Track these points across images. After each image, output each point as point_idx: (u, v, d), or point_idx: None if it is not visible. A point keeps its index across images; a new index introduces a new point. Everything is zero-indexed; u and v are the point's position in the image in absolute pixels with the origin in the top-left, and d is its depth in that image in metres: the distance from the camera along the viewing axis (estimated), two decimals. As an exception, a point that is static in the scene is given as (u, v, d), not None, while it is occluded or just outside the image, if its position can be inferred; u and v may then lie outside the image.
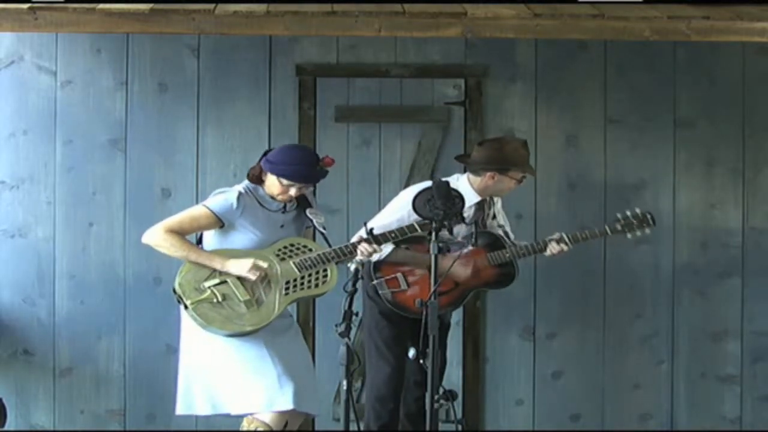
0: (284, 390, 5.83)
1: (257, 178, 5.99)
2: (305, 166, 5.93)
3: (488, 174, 6.61)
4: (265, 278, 5.91)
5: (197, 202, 6.40)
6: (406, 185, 7.13)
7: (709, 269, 7.57)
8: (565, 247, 6.61)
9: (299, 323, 7.25)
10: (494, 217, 6.75)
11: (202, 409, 5.97)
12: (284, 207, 6.03)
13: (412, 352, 5.85)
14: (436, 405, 5.67)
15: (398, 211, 6.48)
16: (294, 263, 5.96)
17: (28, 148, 7.45)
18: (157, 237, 5.91)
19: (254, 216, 5.96)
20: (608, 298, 7.56)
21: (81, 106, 7.45)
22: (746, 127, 7.55)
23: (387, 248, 6.48)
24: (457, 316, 7.30)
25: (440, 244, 5.72)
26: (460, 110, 7.54)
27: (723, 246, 7.57)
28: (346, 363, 5.55)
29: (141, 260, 7.33)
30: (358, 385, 7.29)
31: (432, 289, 5.67)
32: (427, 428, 5.69)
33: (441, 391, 5.73)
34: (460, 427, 5.94)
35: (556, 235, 6.62)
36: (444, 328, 6.69)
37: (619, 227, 6.65)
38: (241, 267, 5.88)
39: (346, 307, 5.60)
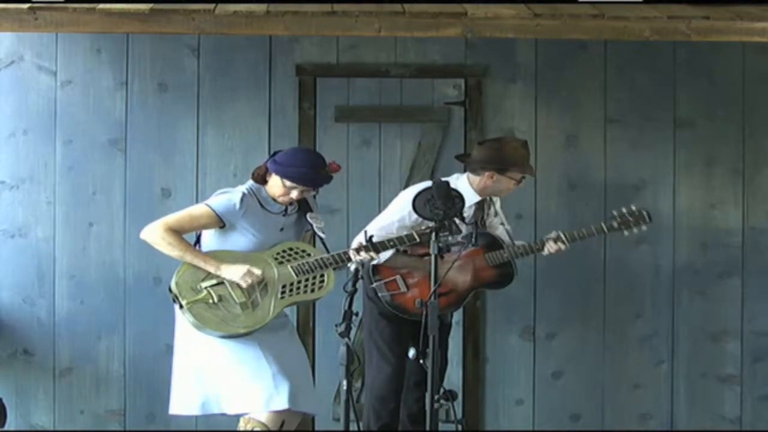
0: (280, 390, 5.83)
1: (262, 178, 5.99)
2: (310, 169, 5.93)
3: (487, 173, 6.61)
4: (262, 281, 5.91)
5: (197, 203, 6.40)
6: (406, 185, 7.13)
7: (709, 269, 7.57)
8: (563, 246, 6.60)
9: (299, 324, 7.29)
10: (496, 214, 6.75)
11: (196, 408, 5.95)
12: (285, 210, 6.03)
13: (411, 353, 5.85)
14: (436, 405, 5.67)
15: (399, 212, 6.48)
16: (291, 267, 5.95)
17: (28, 148, 7.45)
18: (155, 234, 5.90)
19: (255, 218, 5.96)
20: (608, 298, 7.56)
21: (81, 106, 7.45)
22: (746, 126, 7.55)
23: (386, 253, 6.50)
24: (457, 316, 7.30)
25: (440, 244, 5.72)
26: (460, 110, 7.54)
27: (723, 246, 7.57)
28: (346, 363, 5.55)
29: (141, 260, 7.33)
30: (358, 385, 7.29)
31: (432, 290, 5.67)
32: (427, 428, 5.69)
33: (441, 391, 5.73)
34: (460, 427, 5.93)
35: (554, 234, 6.61)
36: (444, 328, 6.69)
37: (615, 224, 6.64)
38: (234, 273, 5.88)
39: (346, 307, 5.61)
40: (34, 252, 7.45)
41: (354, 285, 5.65)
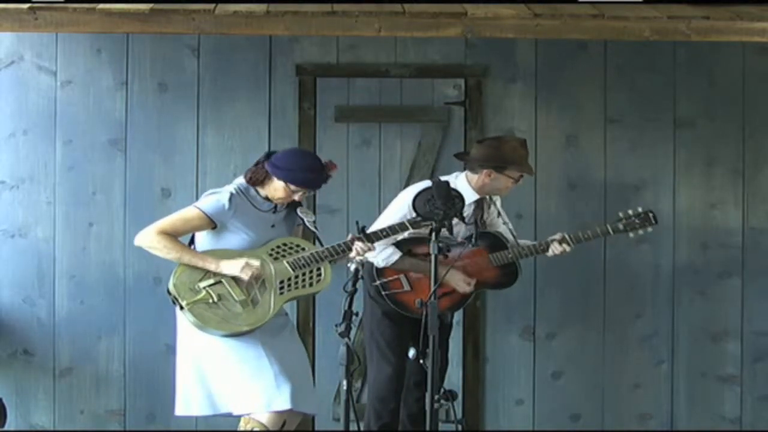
0: (281, 390, 5.84)
1: (260, 182, 5.98)
2: (313, 172, 5.95)
3: (485, 172, 6.61)
4: (260, 278, 5.92)
5: (196, 203, 6.41)
6: (406, 185, 7.13)
7: (709, 269, 7.57)
8: (568, 248, 6.60)
9: (299, 324, 7.28)
10: (498, 214, 6.75)
11: (201, 409, 5.96)
12: (275, 207, 6.03)
13: (412, 353, 5.85)
14: (436, 405, 5.67)
15: (398, 212, 6.48)
16: (288, 262, 5.96)
17: (28, 148, 7.45)
18: (149, 239, 5.91)
19: (246, 216, 5.97)
20: (608, 298, 7.56)
21: (81, 106, 7.45)
22: (746, 127, 7.55)
23: (394, 256, 6.50)
24: (457, 316, 7.29)
25: (440, 245, 5.72)
26: (460, 110, 7.54)
27: (723, 246, 7.57)
28: (346, 363, 5.55)
29: (141, 260, 7.32)
30: (358, 385, 7.29)
31: (432, 290, 5.67)
32: (427, 428, 5.69)
33: (441, 391, 5.73)
34: (460, 427, 5.93)
35: (558, 236, 6.61)
36: (444, 328, 6.69)
37: (621, 226, 6.63)
38: (233, 267, 5.89)
39: (346, 307, 5.61)
40: (34, 252, 7.45)
41: (354, 285, 5.65)
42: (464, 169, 6.74)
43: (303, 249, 6.00)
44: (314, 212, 6.93)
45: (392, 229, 6.10)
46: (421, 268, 6.50)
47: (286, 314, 6.13)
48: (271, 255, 5.97)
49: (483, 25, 6.21)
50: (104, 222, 7.45)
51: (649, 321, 7.57)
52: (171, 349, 6.06)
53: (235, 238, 5.97)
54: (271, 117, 7.49)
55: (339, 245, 5.98)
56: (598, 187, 7.53)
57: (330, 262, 5.99)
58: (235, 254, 5.93)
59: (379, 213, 6.68)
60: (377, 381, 6.71)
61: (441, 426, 5.76)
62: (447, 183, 5.86)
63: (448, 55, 7.49)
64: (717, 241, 7.56)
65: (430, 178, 7.15)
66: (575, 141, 7.55)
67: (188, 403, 5.99)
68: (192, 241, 6.06)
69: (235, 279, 5.90)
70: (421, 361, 5.73)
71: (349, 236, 6.05)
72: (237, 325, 5.86)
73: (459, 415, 5.92)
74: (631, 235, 6.66)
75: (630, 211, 6.64)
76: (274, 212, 6.04)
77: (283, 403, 5.83)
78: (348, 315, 5.59)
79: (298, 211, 6.04)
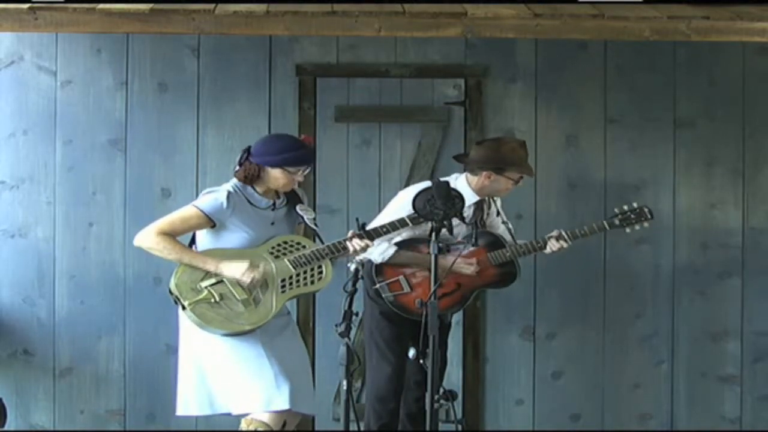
0: (281, 390, 5.83)
1: (254, 178, 5.97)
2: (301, 148, 5.98)
3: (484, 173, 6.62)
4: (261, 282, 5.91)
5: (196, 203, 6.41)
6: (406, 185, 7.13)
7: (709, 269, 7.57)
8: (565, 244, 6.60)
9: (299, 323, 7.28)
10: (498, 214, 6.75)
11: (201, 409, 5.96)
12: (273, 204, 6.03)
13: (411, 352, 5.85)
14: (436, 405, 5.67)
15: (398, 212, 6.46)
16: (288, 261, 5.96)
17: (28, 148, 7.45)
18: (149, 240, 5.90)
19: (245, 214, 5.96)
20: (608, 298, 7.56)
21: (81, 106, 7.46)
22: (746, 127, 7.56)
23: (390, 250, 6.50)
24: (457, 316, 7.30)
25: (440, 245, 5.72)
26: (460, 110, 7.54)
27: (723, 246, 7.57)
28: (346, 363, 5.55)
29: (141, 260, 7.32)
30: (358, 385, 7.29)
31: (432, 290, 5.67)
32: (427, 428, 5.69)
33: (441, 391, 5.73)
34: (460, 427, 5.93)
35: (555, 233, 6.62)
36: (444, 328, 6.69)
37: (617, 222, 6.65)
38: (235, 270, 5.88)
39: (346, 307, 5.61)
40: (34, 252, 7.45)
41: (354, 285, 5.66)
42: (464, 171, 6.74)
43: (303, 247, 6.00)
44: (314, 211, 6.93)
45: (392, 226, 6.10)
46: (418, 261, 6.50)
47: (289, 313, 6.13)
48: (272, 253, 5.96)
49: (483, 25, 6.21)
50: (104, 222, 7.45)
51: (649, 321, 7.57)
52: (171, 349, 6.06)
53: (234, 237, 5.96)
54: (271, 117, 7.49)
55: (339, 242, 5.98)
56: (598, 187, 7.53)
57: (331, 259, 5.99)
58: (236, 254, 5.92)
59: (379, 213, 6.68)
60: (377, 381, 6.71)
61: (441, 426, 5.76)
62: (447, 183, 5.86)
63: (448, 55, 7.49)
64: (717, 241, 7.57)
65: (430, 178, 7.17)
66: (575, 141, 7.55)
67: (188, 402, 5.98)
68: (193, 241, 6.05)
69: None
70: (421, 361, 5.73)
71: (350, 233, 6.05)
72: (239, 325, 5.86)
73: (459, 415, 5.92)
74: (628, 230, 6.66)
75: (625, 206, 6.65)
76: (273, 209, 6.03)
77: (283, 403, 5.83)
78: (348, 315, 5.60)
79: (298, 208, 6.04)
